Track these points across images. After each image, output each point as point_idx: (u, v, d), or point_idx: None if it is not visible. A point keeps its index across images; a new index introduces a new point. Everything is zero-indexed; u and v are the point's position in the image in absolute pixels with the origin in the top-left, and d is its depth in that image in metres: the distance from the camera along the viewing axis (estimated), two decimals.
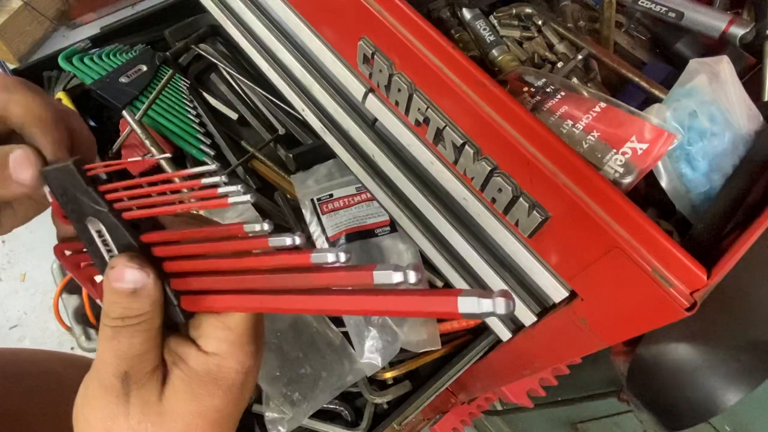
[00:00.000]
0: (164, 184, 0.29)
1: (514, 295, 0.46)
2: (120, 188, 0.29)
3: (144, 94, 0.71)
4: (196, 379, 0.28)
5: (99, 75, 0.70)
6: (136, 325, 0.27)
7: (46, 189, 0.31)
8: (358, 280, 0.23)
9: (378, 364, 0.58)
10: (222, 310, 0.28)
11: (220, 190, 0.26)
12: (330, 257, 0.23)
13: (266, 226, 0.24)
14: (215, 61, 0.80)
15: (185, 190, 0.28)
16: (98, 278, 0.33)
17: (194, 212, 0.38)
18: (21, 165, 0.29)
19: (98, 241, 0.30)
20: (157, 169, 0.69)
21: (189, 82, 0.77)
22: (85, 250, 0.31)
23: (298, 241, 0.24)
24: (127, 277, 0.27)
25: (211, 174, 0.27)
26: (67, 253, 0.35)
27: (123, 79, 0.71)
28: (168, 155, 0.68)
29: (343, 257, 0.23)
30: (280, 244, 0.24)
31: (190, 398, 0.28)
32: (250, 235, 0.25)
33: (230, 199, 0.26)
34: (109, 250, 0.30)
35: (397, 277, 0.21)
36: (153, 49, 0.78)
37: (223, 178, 0.27)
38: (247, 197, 0.26)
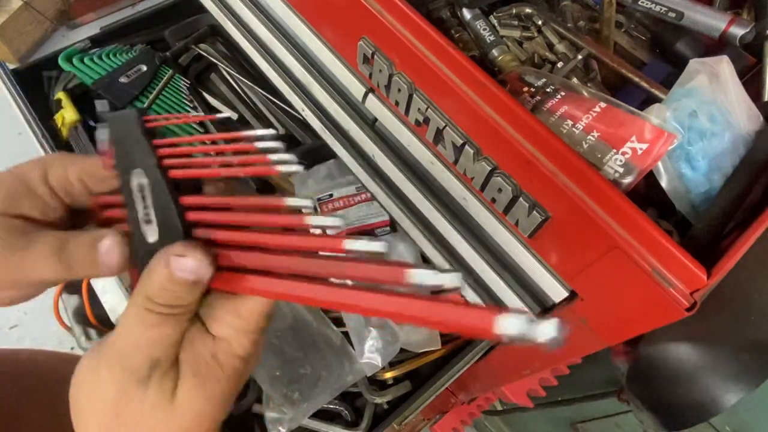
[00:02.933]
0: (215, 144, 0.28)
1: (513, 295, 0.46)
2: (173, 144, 0.29)
3: (144, 94, 0.71)
4: (203, 365, 0.28)
5: (99, 75, 0.70)
6: (181, 315, 0.27)
7: (104, 134, 0.31)
8: (391, 276, 0.21)
9: (378, 364, 0.58)
10: (244, 292, 0.27)
11: (273, 157, 0.25)
12: (362, 245, 0.22)
13: (308, 203, 0.24)
14: (215, 61, 0.80)
15: (232, 154, 0.27)
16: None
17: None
18: (109, 253, 0.30)
19: (138, 196, 0.29)
20: None
21: (189, 82, 0.77)
22: (121, 204, 0.30)
23: (339, 222, 0.23)
24: (190, 267, 0.26)
25: (269, 139, 0.27)
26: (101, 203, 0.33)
27: (123, 79, 0.71)
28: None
29: (379, 246, 0.22)
30: (320, 223, 0.24)
31: (199, 385, 0.28)
32: (291, 208, 0.24)
33: (281, 168, 0.25)
34: (145, 208, 0.29)
35: (432, 279, 0.20)
36: (153, 49, 0.78)
37: (280, 144, 0.26)
38: (299, 168, 0.25)
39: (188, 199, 0.28)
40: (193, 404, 0.27)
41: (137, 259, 0.29)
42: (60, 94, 0.71)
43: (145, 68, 0.73)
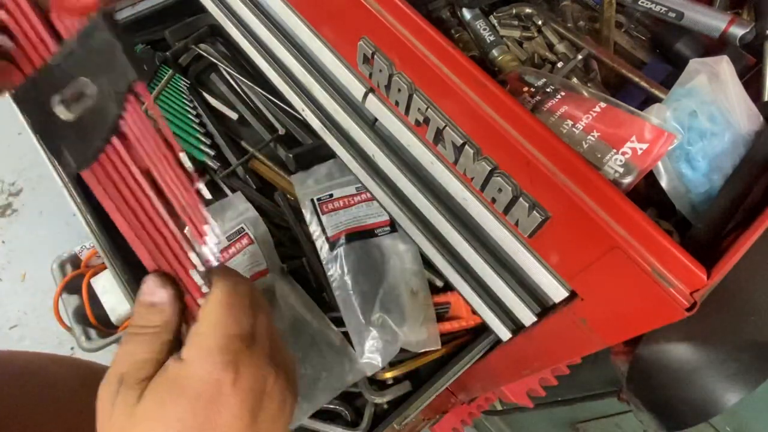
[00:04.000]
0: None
1: (513, 295, 0.47)
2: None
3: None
4: (164, 385, 0.28)
5: None
6: (143, 335, 0.30)
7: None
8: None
9: (378, 364, 0.58)
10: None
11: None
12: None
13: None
14: (215, 61, 0.80)
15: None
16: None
17: None
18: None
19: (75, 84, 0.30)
20: None
21: (189, 82, 0.77)
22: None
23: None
24: (149, 290, 0.31)
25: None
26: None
27: None
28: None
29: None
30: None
31: (156, 403, 0.28)
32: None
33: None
34: (68, 97, 0.30)
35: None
36: (153, 49, 0.78)
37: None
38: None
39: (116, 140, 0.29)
40: (147, 421, 0.28)
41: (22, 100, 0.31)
42: None
43: (145, 68, 0.73)
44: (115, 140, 0.29)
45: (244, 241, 0.59)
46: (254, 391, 0.30)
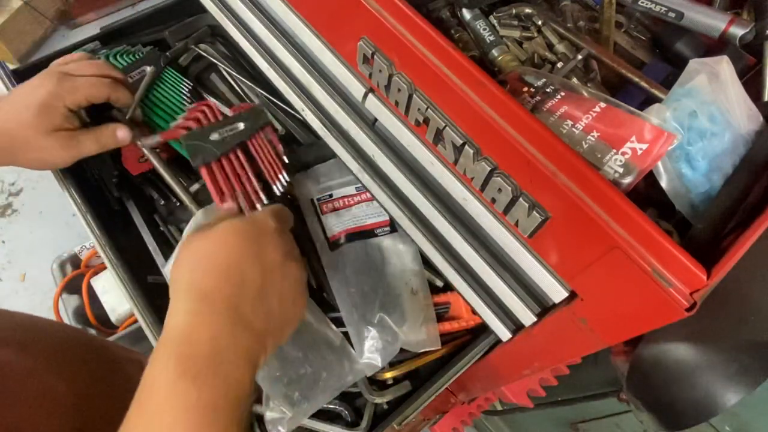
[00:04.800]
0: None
1: (513, 295, 0.47)
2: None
3: (148, 96, 0.71)
4: (237, 221, 0.48)
5: None
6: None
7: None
8: None
9: (378, 364, 0.58)
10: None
11: None
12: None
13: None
14: (215, 61, 0.80)
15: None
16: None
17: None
18: (124, 137, 0.62)
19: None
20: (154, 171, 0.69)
21: (191, 84, 0.76)
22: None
23: None
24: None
25: None
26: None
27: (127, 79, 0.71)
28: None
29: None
30: None
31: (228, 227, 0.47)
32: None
33: None
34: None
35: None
36: (153, 49, 0.78)
37: None
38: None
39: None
40: (223, 233, 0.47)
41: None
42: None
43: (149, 69, 0.73)
44: (236, 150, 0.59)
45: None
46: (287, 244, 0.49)
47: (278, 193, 0.60)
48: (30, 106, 0.56)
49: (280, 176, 0.60)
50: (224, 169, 0.56)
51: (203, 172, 0.55)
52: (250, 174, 0.58)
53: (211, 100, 0.78)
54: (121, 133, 0.61)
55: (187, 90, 0.76)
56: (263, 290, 0.44)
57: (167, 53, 0.77)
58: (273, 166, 0.60)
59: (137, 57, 0.74)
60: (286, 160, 0.61)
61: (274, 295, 0.45)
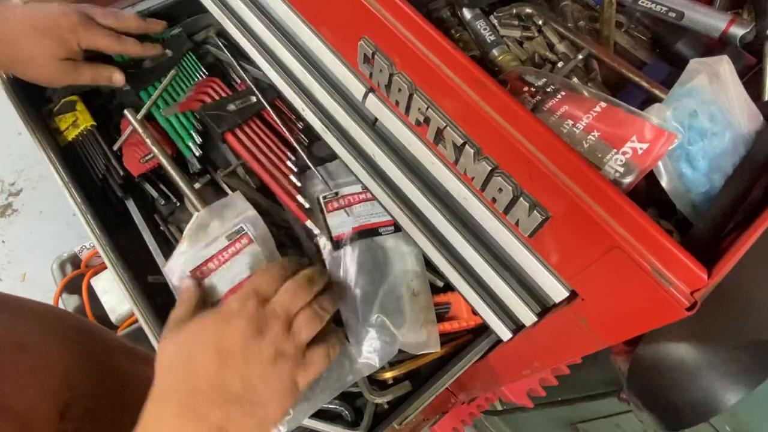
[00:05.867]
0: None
1: (513, 295, 0.47)
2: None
3: (159, 81, 0.73)
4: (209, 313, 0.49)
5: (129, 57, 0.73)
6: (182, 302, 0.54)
7: None
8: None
9: (376, 364, 0.58)
10: None
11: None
12: None
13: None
14: (215, 60, 0.80)
15: None
16: None
17: None
18: (118, 80, 0.69)
19: None
20: (159, 168, 0.69)
21: (207, 73, 0.77)
22: None
23: None
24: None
25: None
26: None
27: (147, 64, 0.73)
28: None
29: None
30: None
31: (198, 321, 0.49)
32: None
33: None
34: None
35: None
36: (181, 32, 0.79)
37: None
38: None
39: None
40: (192, 330, 0.49)
41: None
42: (74, 97, 0.72)
43: (170, 53, 0.74)
44: (254, 119, 0.67)
45: (244, 240, 0.59)
46: (257, 322, 0.46)
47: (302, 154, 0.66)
48: (46, 33, 0.62)
49: (301, 137, 0.67)
50: (248, 137, 0.61)
51: (229, 139, 0.60)
52: (273, 138, 0.64)
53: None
54: (117, 77, 0.69)
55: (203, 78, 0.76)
56: (218, 378, 0.44)
57: (190, 38, 0.78)
58: (293, 130, 0.66)
59: (161, 40, 0.75)
60: (302, 125, 0.68)
61: (235, 379, 0.44)
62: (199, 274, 0.56)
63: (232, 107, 0.66)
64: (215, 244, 0.58)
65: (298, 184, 0.66)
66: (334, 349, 0.50)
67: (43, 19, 0.62)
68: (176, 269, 0.56)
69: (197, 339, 0.46)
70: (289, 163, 0.66)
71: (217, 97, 0.70)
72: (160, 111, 0.71)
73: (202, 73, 0.76)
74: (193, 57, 0.77)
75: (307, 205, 0.64)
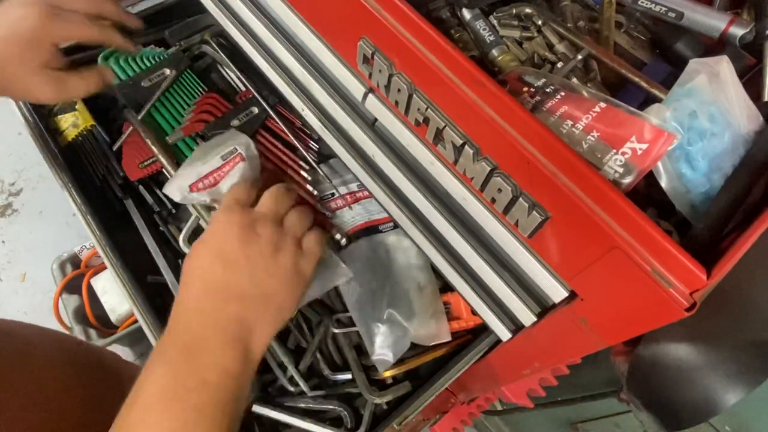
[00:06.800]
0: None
1: (513, 295, 0.47)
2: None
3: (159, 99, 0.71)
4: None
5: (128, 76, 0.70)
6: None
7: None
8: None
9: (390, 359, 0.59)
10: None
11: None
12: None
13: None
14: (215, 60, 0.80)
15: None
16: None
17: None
18: (110, 79, 0.66)
19: None
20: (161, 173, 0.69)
21: (206, 89, 0.76)
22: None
23: None
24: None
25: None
26: None
27: (145, 83, 0.71)
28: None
29: None
30: None
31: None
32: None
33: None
34: None
35: None
36: (178, 50, 0.78)
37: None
38: None
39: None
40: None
41: None
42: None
43: (168, 72, 0.72)
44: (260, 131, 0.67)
45: (237, 159, 0.60)
46: (245, 231, 0.49)
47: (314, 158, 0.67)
48: (16, 41, 0.54)
49: (310, 143, 0.67)
50: (259, 151, 0.61)
51: None
52: (283, 149, 0.65)
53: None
54: (108, 74, 0.65)
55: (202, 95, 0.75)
56: (227, 282, 0.47)
57: (186, 54, 0.77)
58: (300, 135, 0.66)
59: (159, 59, 0.74)
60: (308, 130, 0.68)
61: (243, 279, 0.48)
62: (200, 186, 0.58)
63: (236, 122, 0.65)
64: (212, 161, 0.59)
65: (315, 193, 0.67)
66: (323, 235, 0.56)
67: (9, 25, 0.55)
68: (176, 190, 0.58)
69: (199, 258, 0.49)
70: (303, 173, 0.66)
71: (218, 114, 0.68)
72: (161, 117, 0.70)
73: (201, 90, 0.75)
74: (192, 74, 0.76)
75: (328, 214, 0.66)
